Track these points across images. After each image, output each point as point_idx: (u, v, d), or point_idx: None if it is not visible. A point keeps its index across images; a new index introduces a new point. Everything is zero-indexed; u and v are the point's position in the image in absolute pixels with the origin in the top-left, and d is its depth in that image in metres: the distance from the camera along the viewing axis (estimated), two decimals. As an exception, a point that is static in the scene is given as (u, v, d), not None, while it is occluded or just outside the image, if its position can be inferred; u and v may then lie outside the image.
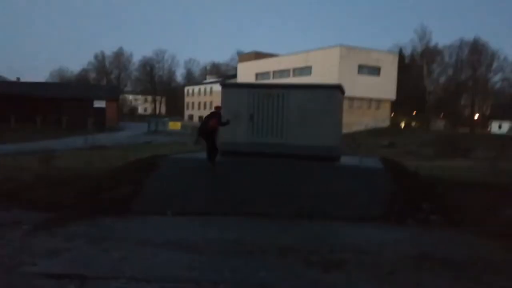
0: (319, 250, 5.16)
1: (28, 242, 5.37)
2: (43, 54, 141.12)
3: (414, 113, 69.93)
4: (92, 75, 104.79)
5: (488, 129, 66.41)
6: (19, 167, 11.33)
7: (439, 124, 67.61)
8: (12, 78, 71.86)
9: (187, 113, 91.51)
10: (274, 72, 63.59)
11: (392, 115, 60.53)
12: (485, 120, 71.26)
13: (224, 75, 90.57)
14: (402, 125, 64.82)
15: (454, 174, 11.02)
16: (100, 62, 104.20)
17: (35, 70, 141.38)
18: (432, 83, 77.59)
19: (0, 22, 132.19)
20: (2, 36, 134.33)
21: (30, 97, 46.47)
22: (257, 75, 58.18)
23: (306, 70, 57.24)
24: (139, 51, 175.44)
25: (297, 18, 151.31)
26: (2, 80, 64.96)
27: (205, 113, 73.33)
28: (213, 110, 9.92)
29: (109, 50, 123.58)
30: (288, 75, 60.08)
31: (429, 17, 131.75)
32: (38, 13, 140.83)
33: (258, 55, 69.53)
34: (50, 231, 5.86)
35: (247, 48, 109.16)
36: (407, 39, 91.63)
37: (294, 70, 59.74)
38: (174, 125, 50.01)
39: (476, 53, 75.86)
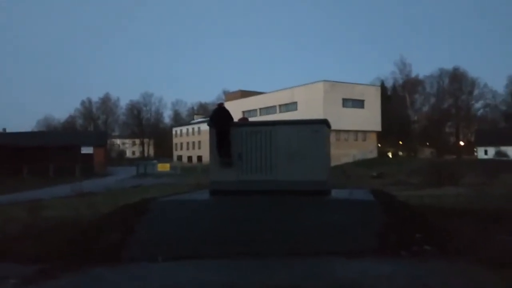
0: (314, 288, 5.08)
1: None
2: (29, 104, 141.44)
3: (400, 143, 70.70)
4: (79, 122, 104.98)
5: (475, 155, 67.17)
6: (5, 218, 11.10)
7: (426, 152, 68.32)
8: (-2, 129, 71.42)
9: (175, 154, 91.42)
10: (260, 109, 64.31)
11: (379, 145, 61.13)
12: (470, 146, 72.17)
13: (211, 115, 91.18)
14: (390, 155, 65.40)
15: (444, 202, 11.06)
16: (87, 109, 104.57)
17: (22, 120, 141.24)
18: (415, 113, 79.00)
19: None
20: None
21: (16, 147, 46.13)
22: (243, 113, 58.80)
23: (292, 106, 58.06)
24: (126, 96, 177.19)
25: (281, 56, 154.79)
26: (-13, 132, 64.40)
27: (194, 153, 72.81)
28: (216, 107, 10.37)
29: (95, 96, 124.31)
30: (275, 112, 60.79)
31: (408, 49, 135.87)
32: (23, 63, 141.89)
33: (244, 94, 70.56)
34: (39, 285, 5.69)
35: (233, 87, 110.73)
36: (387, 72, 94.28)
37: (280, 106, 60.56)
38: (163, 167, 49.88)
39: (457, 81, 77.88)
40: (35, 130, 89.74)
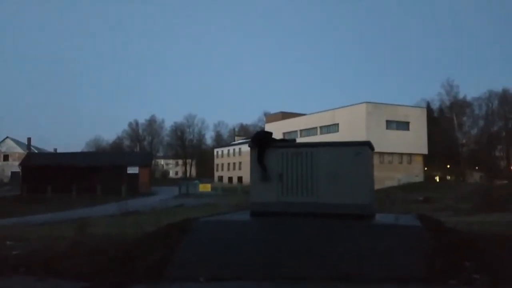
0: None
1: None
2: (79, 125, 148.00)
3: (448, 167, 68.29)
4: (126, 143, 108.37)
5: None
6: (55, 236, 11.52)
7: (475, 176, 65.56)
8: (50, 149, 74.97)
9: (217, 174, 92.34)
10: (301, 130, 64.14)
11: (425, 169, 59.26)
12: (523, 171, 68.62)
13: (252, 136, 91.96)
14: (437, 179, 63.24)
15: (494, 229, 10.53)
16: (133, 130, 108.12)
17: (72, 141, 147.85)
18: (463, 136, 76.30)
19: (39, 97, 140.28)
20: (42, 110, 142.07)
21: (66, 167, 48.14)
22: (284, 134, 58.81)
23: (333, 128, 57.59)
24: (170, 117, 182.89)
25: (322, 77, 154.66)
26: (40, 152, 67.69)
27: (235, 173, 73.18)
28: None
29: (142, 118, 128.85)
30: (316, 133, 60.41)
31: (454, 70, 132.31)
32: (75, 87, 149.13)
33: (285, 115, 70.78)
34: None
35: (274, 109, 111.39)
36: (433, 93, 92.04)
37: (321, 128, 60.17)
38: (204, 187, 50.54)
39: (507, 103, 74.82)
40: (85, 150, 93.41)
